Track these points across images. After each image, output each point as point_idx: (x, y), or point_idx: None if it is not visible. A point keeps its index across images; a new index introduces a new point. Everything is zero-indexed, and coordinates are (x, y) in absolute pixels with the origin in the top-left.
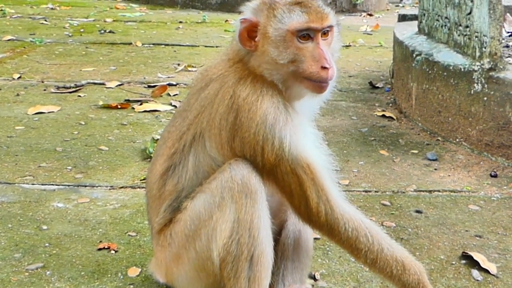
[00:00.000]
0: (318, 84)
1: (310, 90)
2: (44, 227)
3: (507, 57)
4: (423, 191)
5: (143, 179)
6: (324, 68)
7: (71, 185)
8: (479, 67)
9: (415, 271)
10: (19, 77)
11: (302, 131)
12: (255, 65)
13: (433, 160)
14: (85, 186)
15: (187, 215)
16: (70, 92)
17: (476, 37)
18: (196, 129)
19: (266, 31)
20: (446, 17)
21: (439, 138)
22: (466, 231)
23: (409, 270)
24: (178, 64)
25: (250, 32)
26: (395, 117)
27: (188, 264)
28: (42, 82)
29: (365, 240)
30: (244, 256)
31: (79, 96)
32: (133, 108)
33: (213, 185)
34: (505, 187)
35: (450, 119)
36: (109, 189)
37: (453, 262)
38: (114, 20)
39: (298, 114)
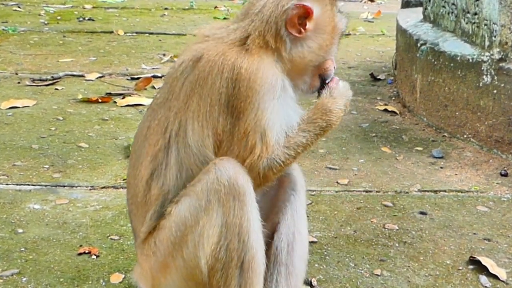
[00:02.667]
0: (322, 85)
1: (313, 87)
2: (20, 230)
3: None
4: (428, 191)
5: (126, 179)
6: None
7: (49, 185)
8: (488, 57)
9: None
10: None
11: (284, 111)
12: (291, 51)
13: (439, 157)
14: (64, 186)
15: (172, 221)
16: (46, 85)
17: (485, 25)
18: (181, 117)
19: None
20: (453, 3)
21: (446, 134)
22: (474, 234)
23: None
24: (164, 55)
25: (299, 18)
26: (398, 112)
27: (175, 273)
28: (16, 74)
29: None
30: (234, 263)
31: (57, 89)
32: (115, 102)
33: (198, 188)
34: None
35: (457, 113)
36: (90, 190)
37: (460, 267)
38: (93, 7)
39: (288, 91)
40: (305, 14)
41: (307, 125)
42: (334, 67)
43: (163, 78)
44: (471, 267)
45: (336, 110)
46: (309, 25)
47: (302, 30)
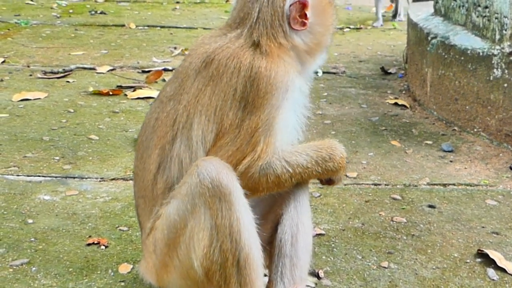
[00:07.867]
0: None
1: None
2: (30, 220)
3: None
4: (437, 184)
5: (134, 171)
6: None
7: (59, 177)
8: (499, 51)
9: (330, 156)
10: (3, 62)
11: (295, 116)
12: (302, 42)
13: (449, 151)
14: (74, 177)
15: (163, 223)
16: (58, 78)
17: (496, 18)
18: (190, 110)
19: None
20: None
21: (456, 128)
22: (483, 227)
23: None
24: (175, 48)
25: (298, 12)
26: (408, 105)
27: (174, 272)
28: (28, 66)
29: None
30: (230, 262)
31: (68, 81)
32: (126, 95)
33: (183, 191)
34: None
35: (467, 107)
36: (99, 181)
37: (468, 261)
38: (105, 0)
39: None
40: (302, 6)
41: (312, 151)
42: None
43: (174, 71)
44: (478, 260)
45: (340, 149)
46: (309, 13)
47: (305, 21)
